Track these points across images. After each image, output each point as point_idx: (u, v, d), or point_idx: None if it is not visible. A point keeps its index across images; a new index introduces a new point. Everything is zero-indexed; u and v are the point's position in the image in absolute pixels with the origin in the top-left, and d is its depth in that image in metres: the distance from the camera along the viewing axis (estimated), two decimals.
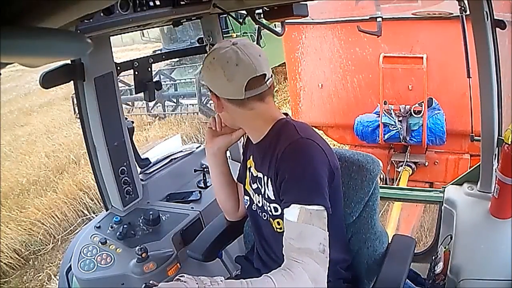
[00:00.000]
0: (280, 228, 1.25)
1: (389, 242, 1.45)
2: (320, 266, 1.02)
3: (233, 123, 1.32)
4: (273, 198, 1.22)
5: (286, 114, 1.28)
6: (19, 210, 5.42)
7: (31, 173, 6.47)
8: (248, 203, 1.37)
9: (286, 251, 1.06)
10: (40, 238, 5.04)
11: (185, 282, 0.95)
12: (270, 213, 1.25)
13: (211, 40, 1.96)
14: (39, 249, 4.97)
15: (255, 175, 1.31)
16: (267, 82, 1.19)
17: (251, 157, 1.35)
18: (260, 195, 1.29)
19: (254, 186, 1.32)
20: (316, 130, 3.85)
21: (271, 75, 1.21)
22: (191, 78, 7.71)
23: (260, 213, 1.32)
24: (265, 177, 1.24)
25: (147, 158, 1.96)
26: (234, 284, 1.02)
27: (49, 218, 5.24)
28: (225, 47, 1.17)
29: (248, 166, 1.37)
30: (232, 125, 1.35)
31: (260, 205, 1.30)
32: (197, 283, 0.96)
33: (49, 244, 5.01)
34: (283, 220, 1.21)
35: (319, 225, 1.07)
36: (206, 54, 1.22)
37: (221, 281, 1.00)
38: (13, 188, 6.09)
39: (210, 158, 1.44)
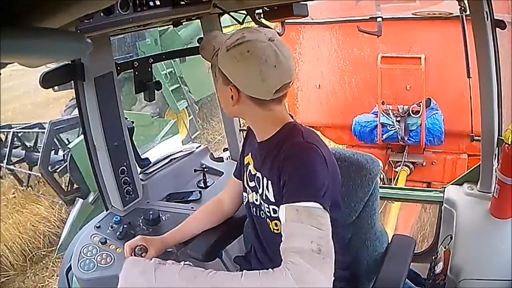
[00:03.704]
0: (278, 230, 1.24)
1: (389, 242, 1.45)
2: (311, 267, 0.93)
3: (239, 116, 1.30)
4: (273, 200, 1.21)
5: (291, 115, 1.26)
6: None
7: None
8: (246, 200, 1.36)
9: (282, 255, 1.00)
10: None
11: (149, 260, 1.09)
12: (268, 214, 1.25)
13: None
14: None
15: (253, 173, 1.30)
16: (290, 85, 1.16)
17: (250, 154, 1.33)
18: (258, 194, 1.28)
19: (252, 184, 1.31)
20: (314, 130, 3.83)
21: None
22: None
23: (257, 211, 1.31)
24: (265, 179, 1.23)
25: (147, 158, 1.96)
26: (196, 270, 1.05)
27: None
28: (262, 41, 1.08)
29: (246, 162, 1.35)
30: (232, 115, 1.30)
31: (257, 203, 1.30)
32: (159, 261, 1.09)
33: None
34: (280, 222, 1.21)
35: (311, 223, 1.00)
36: (233, 41, 1.10)
37: (186, 264, 1.07)
38: None
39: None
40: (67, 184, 4.90)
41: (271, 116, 1.19)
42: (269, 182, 1.21)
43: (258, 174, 1.27)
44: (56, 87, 6.13)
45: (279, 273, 0.94)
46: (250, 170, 1.32)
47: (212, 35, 1.27)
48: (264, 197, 1.24)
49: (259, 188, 1.26)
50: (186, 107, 7.28)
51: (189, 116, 7.42)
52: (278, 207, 1.18)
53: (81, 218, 4.30)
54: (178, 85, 7.17)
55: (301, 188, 1.06)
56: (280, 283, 0.93)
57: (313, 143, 1.14)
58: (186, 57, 6.59)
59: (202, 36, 1.98)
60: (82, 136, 4.44)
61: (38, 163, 4.75)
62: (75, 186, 4.79)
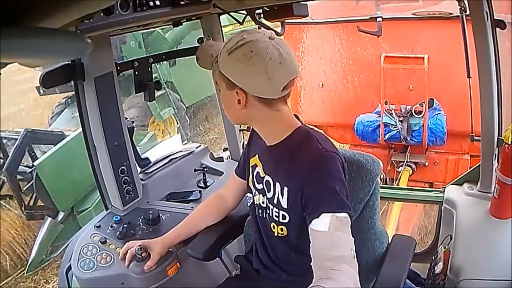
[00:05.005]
0: (282, 234, 1.25)
1: (389, 242, 1.45)
2: (355, 272, 0.99)
3: (246, 121, 1.28)
4: (285, 206, 1.21)
5: (296, 116, 1.25)
6: None
7: None
8: (251, 201, 1.36)
9: (319, 262, 1.02)
10: None
11: None
12: (276, 218, 1.24)
13: (211, 40, 1.95)
14: None
15: (262, 176, 1.29)
16: (294, 81, 1.16)
17: (258, 156, 1.32)
18: (265, 197, 1.28)
19: (259, 186, 1.31)
20: (316, 129, 3.83)
21: None
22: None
23: (262, 213, 1.31)
24: (278, 184, 1.22)
25: (147, 158, 1.96)
26: None
27: None
28: (263, 41, 1.08)
29: (253, 164, 1.34)
30: (238, 121, 1.31)
31: (264, 205, 1.29)
32: None
33: None
34: (287, 228, 1.22)
35: (347, 232, 1.05)
36: (233, 44, 1.10)
37: None
38: None
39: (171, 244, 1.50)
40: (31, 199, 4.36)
41: (279, 117, 1.19)
42: (285, 188, 1.20)
43: (268, 178, 1.26)
44: (41, 91, 6.08)
45: (344, 281, 0.95)
46: (258, 173, 1.31)
47: (208, 44, 1.29)
48: (274, 202, 1.23)
49: (268, 191, 1.26)
50: (173, 115, 6.91)
51: (177, 124, 7.04)
52: (288, 214, 1.20)
53: (51, 237, 4.14)
54: (164, 91, 6.70)
55: (336, 198, 1.09)
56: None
57: (333, 151, 1.16)
58: (177, 61, 6.49)
59: (201, 36, 1.98)
60: (49, 152, 4.15)
61: (4, 166, 4.16)
62: (40, 204, 4.31)
